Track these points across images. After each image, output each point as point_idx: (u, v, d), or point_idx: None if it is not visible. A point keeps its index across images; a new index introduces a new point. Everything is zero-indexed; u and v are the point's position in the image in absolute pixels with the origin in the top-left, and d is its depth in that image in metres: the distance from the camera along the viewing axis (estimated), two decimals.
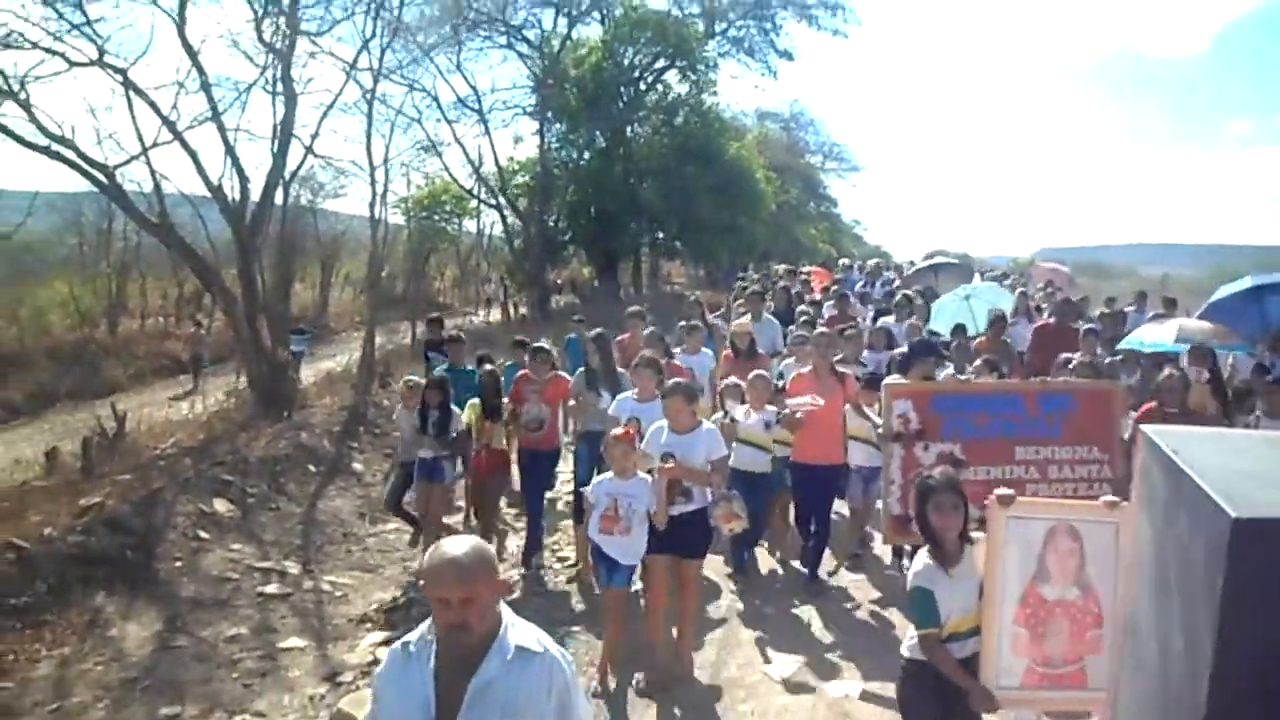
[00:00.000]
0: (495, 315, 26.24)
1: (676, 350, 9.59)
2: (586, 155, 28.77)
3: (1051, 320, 11.80)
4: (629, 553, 5.80)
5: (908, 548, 7.27)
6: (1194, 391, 7.18)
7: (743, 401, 7.47)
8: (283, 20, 13.00)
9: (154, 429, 11.40)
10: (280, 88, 12.95)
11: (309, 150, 14.00)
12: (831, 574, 7.82)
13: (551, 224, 28.16)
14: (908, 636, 4.04)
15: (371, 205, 16.15)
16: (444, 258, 31.56)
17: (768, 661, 6.33)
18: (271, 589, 8.00)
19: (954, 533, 3.88)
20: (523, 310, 25.73)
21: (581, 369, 8.27)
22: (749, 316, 11.23)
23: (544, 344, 8.82)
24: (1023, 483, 6.25)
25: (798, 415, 7.12)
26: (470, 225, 29.70)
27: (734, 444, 7.09)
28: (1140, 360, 9.73)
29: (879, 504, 6.95)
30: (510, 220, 27.71)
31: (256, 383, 12.80)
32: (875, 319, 13.66)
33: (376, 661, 6.07)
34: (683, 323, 10.96)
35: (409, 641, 2.71)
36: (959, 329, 11.44)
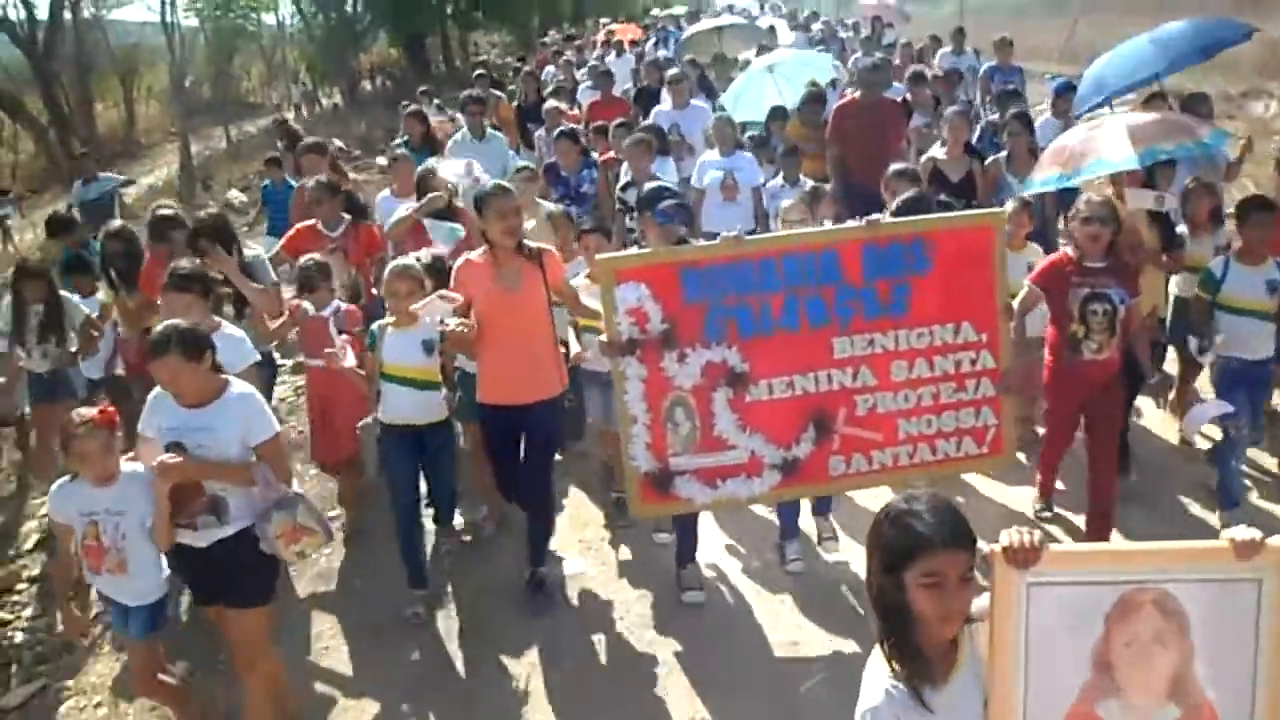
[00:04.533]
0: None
1: (383, 193, 6.60)
2: None
3: (855, 96, 7.29)
4: (138, 591, 3.58)
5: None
6: (1126, 224, 4.50)
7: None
8: None
9: None
10: None
11: None
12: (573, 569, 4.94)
13: (350, 8, 27.98)
14: None
15: (162, 8, 16.09)
16: (248, 57, 30.99)
17: None
18: None
19: (955, 627, 1.99)
20: (333, 101, 26.11)
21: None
22: (460, 135, 7.76)
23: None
24: (850, 395, 4.05)
25: (452, 330, 4.12)
26: (270, 19, 29.25)
27: (381, 383, 4.46)
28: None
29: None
30: (307, 8, 27.44)
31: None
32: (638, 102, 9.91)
33: None
34: (397, 145, 7.97)
35: None
36: (777, 112, 7.93)
